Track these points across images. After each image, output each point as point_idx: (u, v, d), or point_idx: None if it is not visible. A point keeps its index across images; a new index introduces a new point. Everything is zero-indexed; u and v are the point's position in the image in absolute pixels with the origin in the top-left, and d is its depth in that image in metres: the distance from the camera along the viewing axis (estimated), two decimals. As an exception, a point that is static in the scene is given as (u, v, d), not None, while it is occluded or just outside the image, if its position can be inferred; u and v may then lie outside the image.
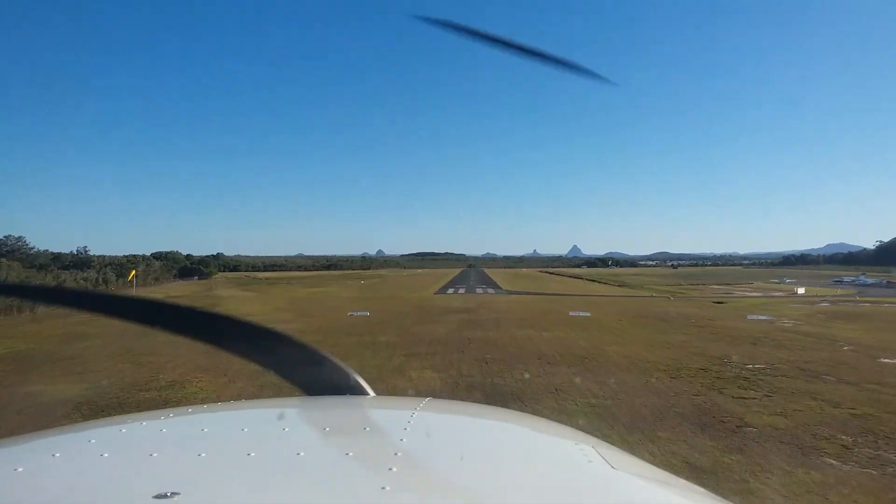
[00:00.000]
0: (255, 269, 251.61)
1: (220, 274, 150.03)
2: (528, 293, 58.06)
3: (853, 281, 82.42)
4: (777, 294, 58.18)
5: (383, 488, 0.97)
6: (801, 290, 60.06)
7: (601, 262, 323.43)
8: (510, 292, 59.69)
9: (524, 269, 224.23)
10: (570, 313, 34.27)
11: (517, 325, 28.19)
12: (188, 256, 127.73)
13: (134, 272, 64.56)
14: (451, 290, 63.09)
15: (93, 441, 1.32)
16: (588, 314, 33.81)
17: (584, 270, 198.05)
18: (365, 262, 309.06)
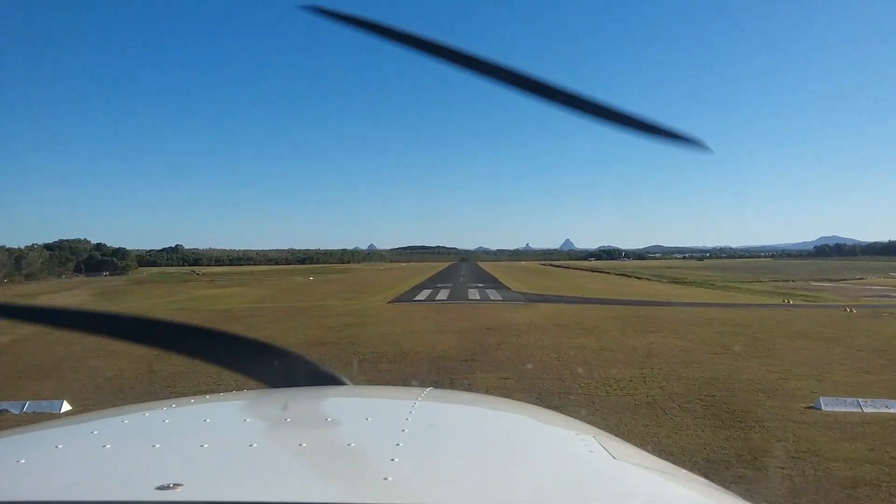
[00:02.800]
0: (218, 262, 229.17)
1: (147, 269, 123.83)
2: (564, 299, 31.89)
3: None
4: None
5: (386, 479, 0.96)
6: None
7: (606, 254, 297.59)
8: (529, 297, 33.40)
9: (522, 262, 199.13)
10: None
11: None
12: (99, 246, 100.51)
13: None
14: (424, 293, 37.12)
15: (95, 432, 1.32)
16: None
17: (595, 263, 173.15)
18: (346, 256, 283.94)
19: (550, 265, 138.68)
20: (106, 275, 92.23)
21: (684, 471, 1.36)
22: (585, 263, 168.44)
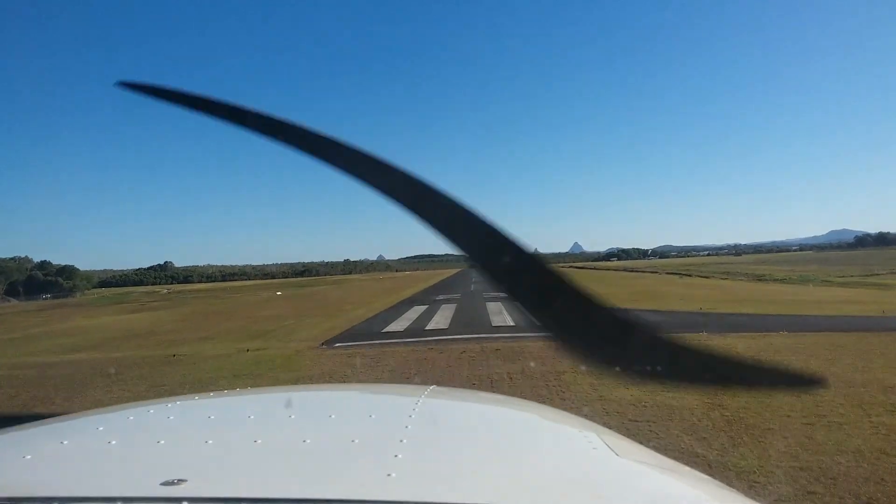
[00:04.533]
0: (210, 279, 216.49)
1: (106, 290, 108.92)
2: (693, 321, 16.02)
3: None
4: None
5: (389, 475, 0.97)
6: None
7: (625, 253, 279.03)
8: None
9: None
10: None
11: None
12: (43, 265, 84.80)
13: None
14: (410, 315, 21.82)
15: (100, 429, 1.34)
16: None
17: (622, 263, 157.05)
18: (348, 267, 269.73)
19: (572, 266, 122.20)
20: (46, 297, 77.41)
21: (688, 468, 1.36)
22: (610, 264, 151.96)
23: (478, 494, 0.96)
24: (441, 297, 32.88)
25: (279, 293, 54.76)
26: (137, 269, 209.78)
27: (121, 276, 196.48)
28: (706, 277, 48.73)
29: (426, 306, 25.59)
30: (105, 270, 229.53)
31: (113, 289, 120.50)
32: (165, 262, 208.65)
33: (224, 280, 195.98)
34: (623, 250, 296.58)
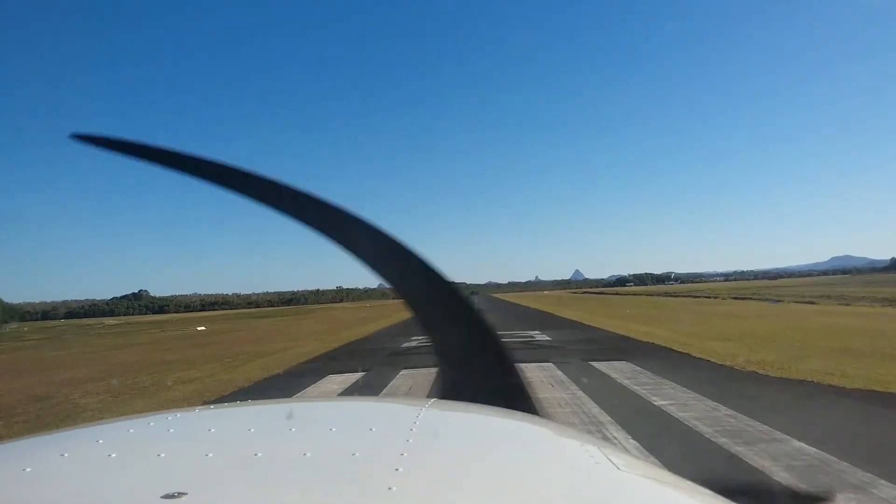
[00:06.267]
0: (189, 308, 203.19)
1: (26, 325, 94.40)
2: None
3: None
4: None
5: (390, 489, 0.97)
6: None
7: (637, 279, 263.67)
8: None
9: (545, 292, 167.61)
10: None
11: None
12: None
13: None
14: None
15: (100, 441, 1.32)
16: None
17: (649, 288, 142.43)
18: (339, 295, 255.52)
19: (585, 293, 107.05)
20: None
21: (689, 482, 1.34)
22: (637, 289, 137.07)
23: None
24: (414, 342, 17.95)
25: (201, 328, 40.58)
26: (111, 299, 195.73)
27: (91, 307, 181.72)
28: (812, 303, 33.89)
29: (359, 376, 10.64)
30: (86, 300, 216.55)
31: (65, 321, 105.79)
32: (140, 291, 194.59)
33: (203, 309, 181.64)
34: (635, 275, 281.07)
